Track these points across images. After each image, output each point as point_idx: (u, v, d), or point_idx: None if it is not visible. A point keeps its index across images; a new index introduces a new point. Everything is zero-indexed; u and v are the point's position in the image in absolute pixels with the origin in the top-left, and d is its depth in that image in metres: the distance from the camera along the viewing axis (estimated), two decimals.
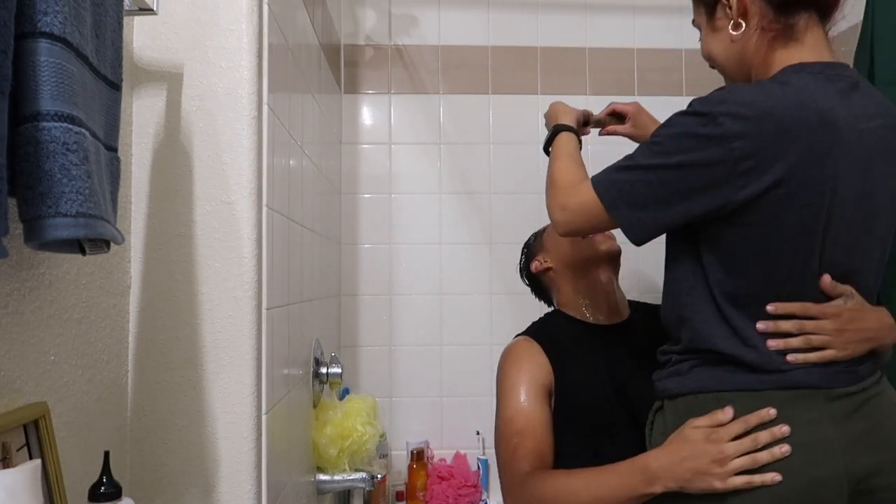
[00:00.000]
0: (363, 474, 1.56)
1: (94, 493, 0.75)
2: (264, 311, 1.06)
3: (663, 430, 1.02)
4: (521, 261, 1.60)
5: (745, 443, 0.92)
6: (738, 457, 0.92)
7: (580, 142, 1.30)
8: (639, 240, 1.01)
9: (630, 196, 0.99)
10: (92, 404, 0.90)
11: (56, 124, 0.64)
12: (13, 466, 0.67)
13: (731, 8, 1.02)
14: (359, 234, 2.11)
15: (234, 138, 1.02)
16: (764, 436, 0.92)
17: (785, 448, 0.91)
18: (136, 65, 1.02)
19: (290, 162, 1.30)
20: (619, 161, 1.03)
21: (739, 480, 0.92)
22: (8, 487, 0.61)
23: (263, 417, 1.05)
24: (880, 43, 1.32)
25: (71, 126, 0.66)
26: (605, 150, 1.38)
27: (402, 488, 1.98)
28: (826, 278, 0.95)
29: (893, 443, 0.94)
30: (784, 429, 0.91)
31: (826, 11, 1.00)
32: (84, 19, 0.72)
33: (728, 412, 0.95)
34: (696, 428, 0.96)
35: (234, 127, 1.02)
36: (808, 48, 0.99)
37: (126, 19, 0.89)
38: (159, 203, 1.02)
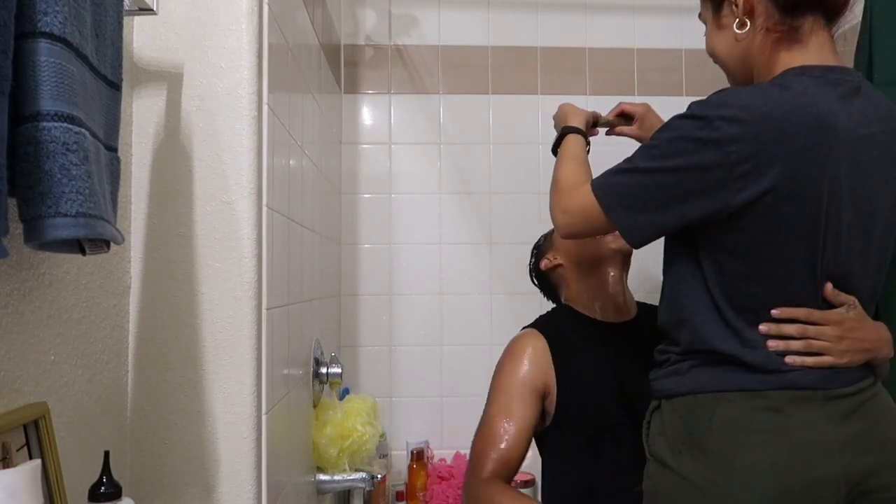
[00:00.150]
0: (363, 474, 1.56)
1: (94, 493, 0.75)
2: (264, 311, 1.06)
3: (660, 431, 1.02)
4: (530, 261, 1.61)
5: None
6: None
7: (588, 143, 1.31)
8: (636, 243, 1.02)
9: (627, 199, 0.99)
10: (92, 404, 0.90)
11: (56, 124, 0.64)
12: (13, 466, 0.67)
13: (737, 6, 1.01)
14: (359, 234, 2.11)
15: (234, 138, 1.02)
16: None
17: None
18: (136, 65, 1.02)
19: (290, 162, 1.30)
20: (618, 164, 1.03)
21: None
22: (8, 487, 0.61)
23: (263, 417, 1.05)
24: (879, 43, 1.32)
25: (71, 126, 0.66)
26: (610, 151, 1.37)
27: (402, 488, 1.98)
28: (829, 286, 0.95)
29: (889, 445, 0.95)
30: None
31: (832, 14, 1.00)
32: (84, 19, 0.72)
33: None
34: None
35: (234, 127, 1.02)
36: (811, 51, 0.99)
37: (126, 19, 0.89)
38: (159, 203, 1.02)
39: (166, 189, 1.02)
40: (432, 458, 2.04)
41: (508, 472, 1.27)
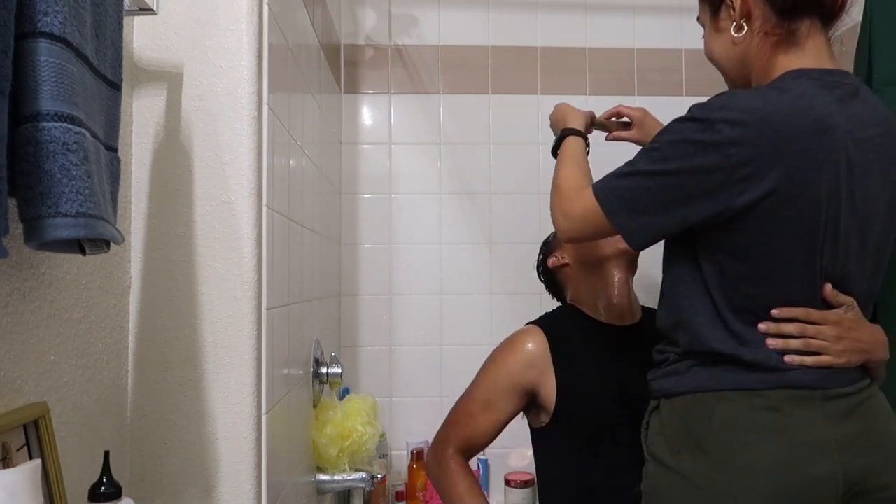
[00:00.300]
0: (363, 474, 1.56)
1: (94, 493, 0.75)
2: (264, 311, 1.06)
3: (659, 430, 1.02)
4: (538, 258, 1.61)
5: None
6: None
7: (588, 145, 1.30)
8: (638, 245, 1.03)
9: (629, 202, 1.00)
10: (92, 404, 0.90)
11: (56, 124, 0.64)
12: (13, 466, 0.67)
13: (734, 10, 1.02)
14: (359, 234, 2.11)
15: (234, 138, 1.02)
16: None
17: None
18: (136, 65, 1.02)
19: (290, 162, 1.30)
20: (619, 167, 1.03)
21: None
22: (8, 487, 0.61)
23: (263, 417, 1.05)
24: (878, 43, 1.32)
25: (71, 126, 0.66)
26: (609, 152, 1.37)
27: (402, 488, 1.98)
28: (828, 287, 0.96)
29: (886, 445, 0.96)
30: None
31: (829, 17, 1.00)
32: (84, 19, 0.72)
33: None
34: None
35: (234, 127, 1.02)
36: (808, 54, 0.99)
37: (126, 19, 0.89)
38: (159, 203, 1.02)
39: (166, 189, 1.02)
40: None
41: (471, 452, 1.38)
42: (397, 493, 1.97)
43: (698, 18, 1.13)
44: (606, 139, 1.46)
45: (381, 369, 2.09)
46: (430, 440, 2.02)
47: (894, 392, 1.08)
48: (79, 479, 0.82)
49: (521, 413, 1.40)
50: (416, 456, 1.97)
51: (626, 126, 1.44)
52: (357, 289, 2.10)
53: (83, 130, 0.68)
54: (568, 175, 1.17)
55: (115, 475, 0.78)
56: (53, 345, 0.80)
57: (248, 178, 1.03)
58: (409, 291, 2.11)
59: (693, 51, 2.09)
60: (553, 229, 1.57)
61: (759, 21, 1.00)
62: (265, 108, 1.07)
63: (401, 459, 2.05)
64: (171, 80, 1.02)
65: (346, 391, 1.92)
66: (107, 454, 0.77)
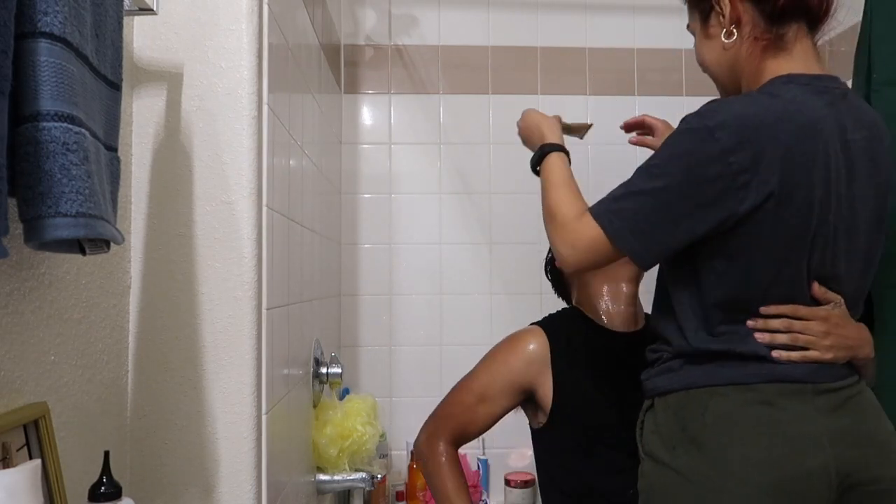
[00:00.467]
0: (363, 474, 1.56)
1: (94, 493, 0.75)
2: (264, 311, 1.06)
3: (654, 429, 1.03)
4: (547, 255, 1.61)
5: None
6: None
7: (568, 156, 1.21)
8: (647, 266, 1.03)
9: (634, 223, 0.97)
10: (92, 404, 0.90)
11: (56, 124, 0.64)
12: (13, 466, 0.67)
13: (724, 17, 1.04)
14: (359, 234, 2.11)
15: (234, 138, 1.02)
16: None
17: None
18: (136, 65, 1.02)
19: (290, 162, 1.30)
20: (616, 190, 1.00)
21: None
22: (8, 487, 0.61)
23: (263, 417, 1.05)
24: (878, 43, 1.32)
25: (71, 126, 0.66)
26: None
27: (402, 488, 1.98)
28: (816, 285, 0.98)
29: (875, 439, 0.97)
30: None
31: (815, 22, 1.02)
32: (84, 19, 0.72)
33: None
34: None
35: (234, 127, 1.02)
36: (796, 59, 1.01)
37: (126, 19, 0.89)
38: (159, 203, 1.02)
39: (166, 189, 1.02)
40: None
41: (464, 439, 1.38)
42: (397, 493, 1.97)
43: (688, 27, 1.15)
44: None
45: (381, 369, 2.09)
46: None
47: (885, 392, 1.09)
48: (79, 479, 0.82)
49: (522, 413, 1.40)
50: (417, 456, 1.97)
51: (588, 128, 1.36)
52: (357, 289, 2.10)
53: (83, 130, 0.68)
54: (562, 201, 1.08)
55: (115, 475, 0.78)
56: (53, 345, 0.80)
57: (248, 178, 1.03)
58: (409, 291, 2.11)
59: (693, 51, 2.09)
60: None
61: (749, 26, 1.02)
62: (265, 108, 1.07)
63: (401, 459, 2.05)
64: (171, 80, 1.02)
65: (346, 391, 1.92)
66: (107, 454, 0.77)
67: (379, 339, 2.10)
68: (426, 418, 1.41)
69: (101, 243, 0.77)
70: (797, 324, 0.96)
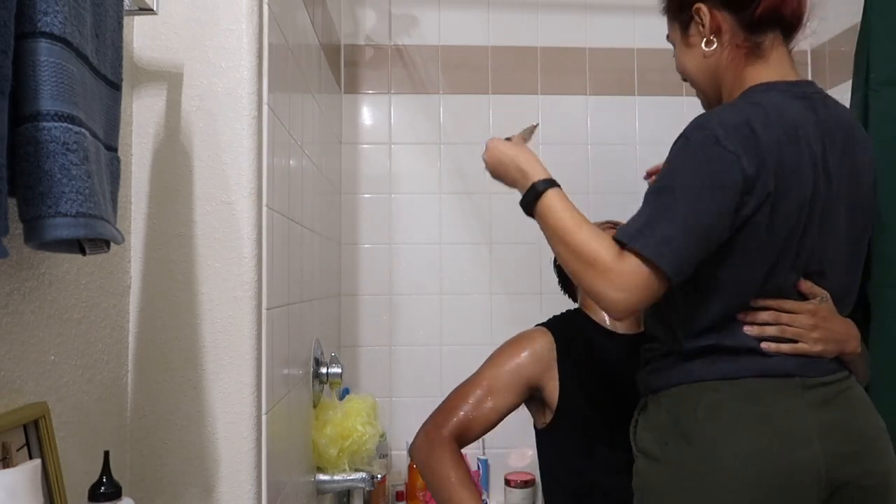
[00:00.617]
0: (363, 474, 1.56)
1: (94, 493, 0.75)
2: (264, 311, 1.06)
3: (646, 426, 1.05)
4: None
5: None
6: None
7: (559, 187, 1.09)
8: (684, 279, 0.96)
9: (679, 248, 0.93)
10: (92, 404, 0.90)
11: (56, 124, 0.64)
12: (13, 466, 0.67)
13: (703, 26, 1.07)
14: (359, 234, 2.11)
15: (234, 138, 1.02)
16: None
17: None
18: (136, 65, 1.02)
19: (290, 162, 1.30)
20: (642, 215, 0.96)
21: None
22: (8, 487, 0.61)
23: (263, 417, 1.05)
24: (877, 43, 1.32)
25: (71, 126, 0.66)
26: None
27: (402, 488, 1.98)
28: (802, 280, 1.00)
29: (865, 434, 0.98)
30: None
31: (790, 31, 1.07)
32: (84, 19, 0.72)
33: None
34: None
35: (234, 127, 1.02)
36: (773, 66, 1.05)
37: (126, 19, 0.89)
38: (159, 203, 1.02)
39: (166, 189, 1.02)
40: None
41: (466, 438, 1.32)
42: (397, 493, 1.97)
43: (668, 37, 1.18)
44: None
45: (381, 369, 2.09)
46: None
47: (881, 391, 1.10)
48: (79, 479, 0.82)
49: (522, 413, 1.40)
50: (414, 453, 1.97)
51: (534, 129, 1.25)
52: (357, 289, 2.10)
53: (83, 130, 0.68)
54: (591, 243, 0.97)
55: (115, 475, 0.78)
56: (53, 345, 0.80)
57: (248, 178, 1.03)
58: (409, 291, 2.11)
59: None
60: None
61: (728, 35, 1.05)
62: (265, 108, 1.07)
63: (401, 459, 2.05)
64: (171, 80, 1.02)
65: (346, 391, 1.92)
66: (107, 454, 0.77)
67: (379, 339, 2.10)
68: (423, 422, 1.36)
69: (101, 243, 0.77)
70: (785, 316, 0.98)
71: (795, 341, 0.98)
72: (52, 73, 0.64)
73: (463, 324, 2.11)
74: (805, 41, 2.31)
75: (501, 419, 1.35)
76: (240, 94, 1.03)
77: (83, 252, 0.75)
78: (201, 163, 1.02)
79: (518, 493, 1.95)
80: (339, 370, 1.58)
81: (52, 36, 0.65)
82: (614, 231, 1.06)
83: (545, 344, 1.36)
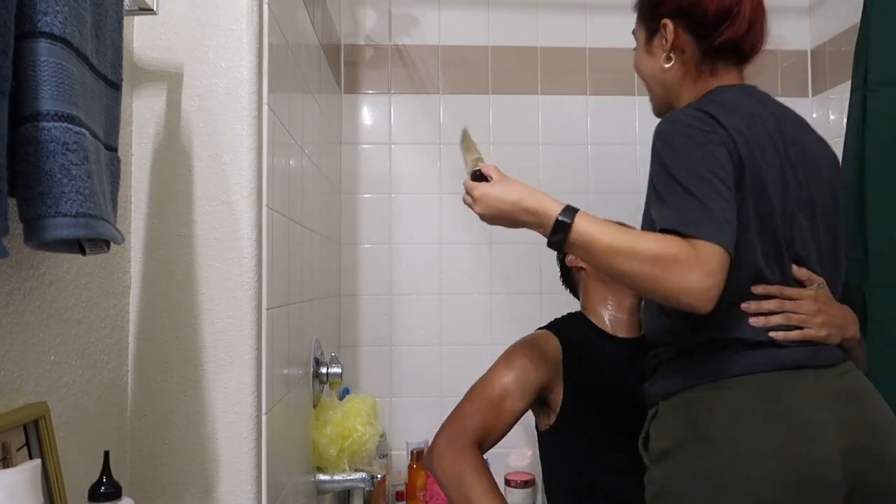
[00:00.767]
0: (363, 474, 1.56)
1: (94, 493, 0.75)
2: (264, 311, 1.06)
3: (659, 435, 1.03)
4: (558, 255, 1.61)
5: None
6: None
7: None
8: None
9: (722, 223, 0.93)
10: (92, 404, 0.90)
11: (56, 124, 0.64)
12: (13, 466, 0.67)
13: (667, 41, 1.12)
14: (359, 234, 2.11)
15: (234, 138, 1.02)
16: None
17: None
18: (136, 65, 1.02)
19: (290, 162, 1.30)
20: (673, 211, 0.95)
21: None
22: (8, 487, 0.61)
23: (263, 417, 1.05)
24: (876, 43, 1.33)
25: (71, 126, 0.66)
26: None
27: (402, 488, 1.98)
28: (796, 267, 1.02)
29: (876, 426, 0.98)
30: None
31: (744, 60, 1.13)
32: (84, 19, 0.72)
33: None
34: None
35: (234, 127, 1.02)
36: (723, 80, 1.11)
37: (126, 19, 0.89)
38: (159, 203, 1.02)
39: (166, 189, 1.02)
40: None
41: (486, 444, 1.29)
42: (397, 493, 1.97)
43: (633, 32, 1.22)
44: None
45: (381, 369, 2.09)
46: (430, 440, 2.04)
47: (879, 389, 1.11)
48: (79, 479, 0.82)
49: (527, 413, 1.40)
50: (416, 456, 1.97)
51: (468, 136, 1.22)
52: (357, 289, 2.10)
53: (83, 130, 0.68)
54: (657, 243, 0.93)
55: (115, 475, 0.78)
56: (53, 345, 0.80)
57: (248, 178, 1.03)
58: (409, 291, 2.11)
59: None
60: None
61: (688, 55, 1.11)
62: (265, 108, 1.07)
63: (401, 459, 2.04)
64: (171, 80, 1.02)
65: (346, 391, 1.92)
66: (107, 454, 0.77)
67: (379, 339, 2.10)
68: (438, 428, 1.32)
69: (101, 243, 0.77)
70: (789, 303, 0.99)
71: (801, 328, 0.99)
72: (52, 73, 0.64)
73: (463, 324, 2.10)
74: (805, 41, 2.31)
75: (517, 421, 1.33)
76: (240, 94, 1.03)
77: (83, 252, 0.75)
78: (201, 163, 1.02)
79: (518, 493, 1.94)
80: (339, 370, 1.58)
81: (52, 36, 0.65)
82: None
83: (553, 348, 1.36)
